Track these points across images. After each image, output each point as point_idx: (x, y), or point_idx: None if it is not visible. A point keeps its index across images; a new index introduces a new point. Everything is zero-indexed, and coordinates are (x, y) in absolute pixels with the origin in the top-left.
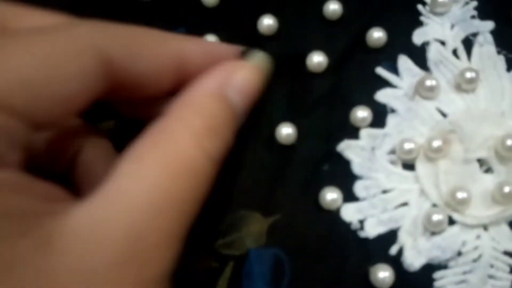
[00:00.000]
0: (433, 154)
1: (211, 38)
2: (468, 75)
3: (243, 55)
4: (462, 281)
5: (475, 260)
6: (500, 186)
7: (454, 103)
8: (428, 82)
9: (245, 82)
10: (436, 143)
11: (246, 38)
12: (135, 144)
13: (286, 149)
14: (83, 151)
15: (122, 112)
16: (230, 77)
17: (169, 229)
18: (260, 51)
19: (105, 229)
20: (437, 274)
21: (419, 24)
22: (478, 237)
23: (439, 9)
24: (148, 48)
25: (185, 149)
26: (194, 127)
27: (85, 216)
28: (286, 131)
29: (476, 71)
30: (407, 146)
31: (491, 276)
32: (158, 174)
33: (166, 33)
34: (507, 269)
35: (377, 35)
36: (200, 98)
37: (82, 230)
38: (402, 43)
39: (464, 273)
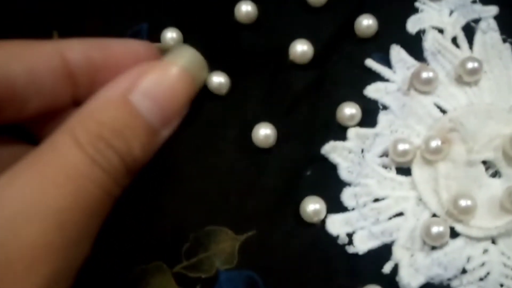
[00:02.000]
0: (431, 156)
1: (171, 33)
2: (470, 65)
3: (162, 53)
4: None
5: (482, 279)
6: (509, 192)
7: (454, 97)
8: (425, 74)
9: (156, 85)
10: (434, 143)
11: (220, 27)
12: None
13: (262, 152)
14: None
15: (38, 136)
16: (137, 81)
17: (39, 239)
18: (186, 46)
19: None
20: None
21: (414, 10)
22: (485, 251)
23: None
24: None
25: (66, 157)
26: (76, 135)
27: None
28: (264, 132)
29: (479, 61)
30: (401, 147)
31: None
32: (29, 183)
33: (38, 40)
34: None
35: (366, 23)
36: (94, 106)
37: None
38: (395, 32)
39: None
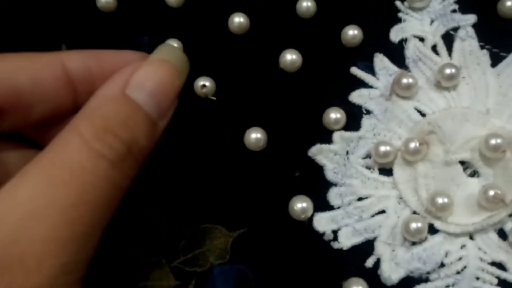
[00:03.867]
0: (410, 157)
1: (172, 42)
2: (448, 71)
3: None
4: None
5: (459, 272)
6: (485, 190)
7: (433, 102)
8: (405, 80)
9: (148, 78)
10: (413, 145)
11: (215, 37)
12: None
13: (254, 155)
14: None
15: (41, 142)
16: (131, 77)
17: (48, 235)
18: (167, 44)
19: None
20: None
21: (397, 20)
22: (463, 246)
23: (418, 4)
24: (11, 66)
25: (72, 154)
26: (82, 131)
27: None
28: (255, 135)
29: (457, 67)
30: (383, 149)
31: None
32: (37, 184)
33: (41, 52)
34: (495, 281)
35: (352, 33)
36: (95, 103)
37: None
38: (379, 41)
39: (447, 286)
